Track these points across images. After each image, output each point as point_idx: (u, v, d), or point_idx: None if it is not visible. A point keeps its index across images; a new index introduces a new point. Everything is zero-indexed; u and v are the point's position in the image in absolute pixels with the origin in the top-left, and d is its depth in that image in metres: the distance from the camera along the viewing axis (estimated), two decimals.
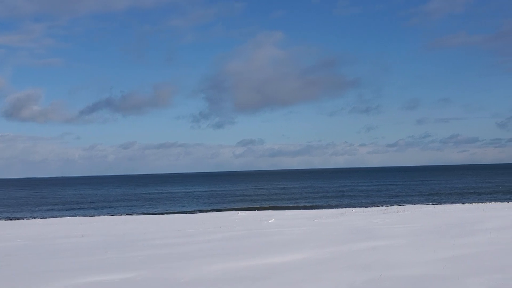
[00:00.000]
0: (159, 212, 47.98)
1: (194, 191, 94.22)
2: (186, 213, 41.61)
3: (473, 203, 41.39)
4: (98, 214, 45.90)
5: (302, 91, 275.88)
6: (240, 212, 36.85)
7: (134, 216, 38.05)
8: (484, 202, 43.23)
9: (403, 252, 15.68)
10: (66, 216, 42.65)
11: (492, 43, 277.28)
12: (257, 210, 41.85)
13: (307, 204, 52.10)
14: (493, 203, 41.39)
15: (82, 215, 43.58)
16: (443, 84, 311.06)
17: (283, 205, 51.92)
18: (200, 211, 45.29)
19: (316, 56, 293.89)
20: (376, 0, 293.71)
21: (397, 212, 31.13)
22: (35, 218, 42.81)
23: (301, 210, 39.77)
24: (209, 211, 45.41)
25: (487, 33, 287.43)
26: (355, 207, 41.86)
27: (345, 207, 41.56)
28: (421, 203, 44.98)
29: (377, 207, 39.25)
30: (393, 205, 43.42)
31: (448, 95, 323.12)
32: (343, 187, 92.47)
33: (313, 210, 37.83)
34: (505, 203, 39.86)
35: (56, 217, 42.48)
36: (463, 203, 43.76)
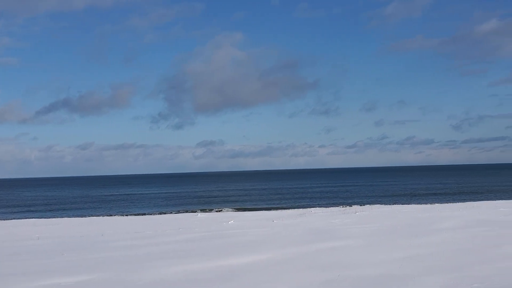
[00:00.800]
0: (117, 213, 47.39)
1: (153, 193, 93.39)
2: (144, 215, 41.21)
3: (429, 204, 42.23)
4: (55, 216, 45.03)
5: (262, 93, 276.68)
6: (199, 214, 36.71)
7: (92, 218, 37.47)
8: (439, 203, 44.16)
9: (361, 252, 15.89)
10: (21, 218, 41.69)
11: (447, 47, 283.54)
12: (217, 211, 41.77)
13: (267, 205, 52.26)
14: (448, 203, 42.32)
15: (38, 217, 42.66)
16: (400, 87, 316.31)
17: (243, 206, 51.95)
18: (159, 213, 44.91)
19: (276, 57, 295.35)
20: (336, 3, 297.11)
21: (355, 213, 31.51)
22: None
23: (261, 211, 39.87)
24: (168, 212, 45.09)
25: (443, 37, 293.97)
26: (314, 207, 42.19)
27: (305, 208, 41.84)
28: (379, 204, 45.64)
29: (336, 208, 39.65)
30: (351, 205, 43.93)
31: (405, 97, 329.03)
32: (303, 188, 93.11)
33: (273, 211, 37.96)
34: (459, 203, 40.80)
35: (11, 219, 41.50)
36: (419, 203, 44.59)
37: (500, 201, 42.05)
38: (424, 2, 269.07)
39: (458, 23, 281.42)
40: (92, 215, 45.09)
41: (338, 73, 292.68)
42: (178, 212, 45.04)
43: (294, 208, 43.90)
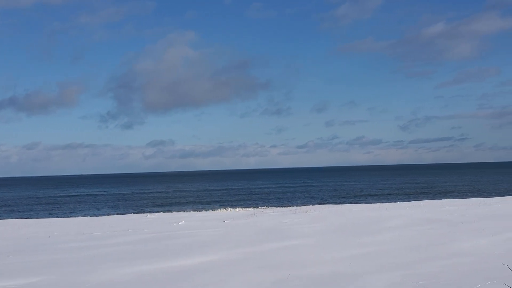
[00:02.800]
0: (65, 215, 46.37)
1: (102, 193, 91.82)
2: (93, 216, 40.45)
3: (377, 203, 43.01)
4: (0, 218, 43.74)
5: (214, 92, 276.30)
6: (149, 215, 36.27)
7: (38, 219, 36.51)
8: (388, 202, 45.04)
9: (312, 251, 16.02)
10: None
11: (396, 49, 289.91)
12: (167, 212, 41.40)
13: (217, 206, 52.14)
14: (395, 202, 43.20)
15: None
16: (351, 88, 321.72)
17: (193, 207, 51.68)
18: (108, 214, 44.18)
19: (229, 57, 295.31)
20: (288, 4, 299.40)
21: (306, 212, 31.77)
22: None
23: (212, 211, 39.72)
24: (117, 214, 44.40)
25: (391, 39, 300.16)
26: (265, 207, 42.34)
27: (256, 208, 41.94)
28: (329, 203, 46.19)
29: (287, 208, 39.89)
30: (302, 205, 44.30)
31: (355, 98, 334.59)
32: (254, 188, 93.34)
33: (224, 211, 37.89)
34: (406, 202, 41.71)
35: None
36: (368, 202, 45.36)
37: (446, 200, 43.20)
38: (374, 5, 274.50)
39: (407, 26, 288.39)
40: (38, 217, 43.94)
41: (290, 73, 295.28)
42: (128, 213, 44.41)
43: (245, 208, 43.93)
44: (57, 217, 42.66)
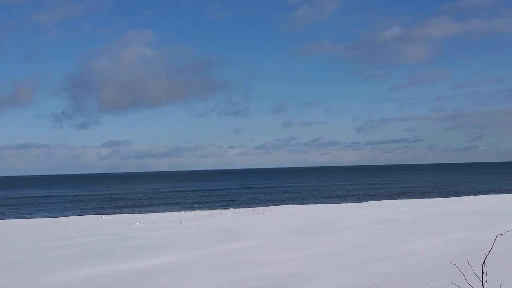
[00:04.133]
0: (18, 216, 45.28)
1: (56, 195, 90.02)
2: (46, 218, 39.62)
3: (333, 203, 43.49)
4: None
5: (171, 92, 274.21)
6: (104, 216, 35.75)
7: None
8: (343, 202, 45.60)
9: (269, 252, 16.09)
10: None
11: (352, 51, 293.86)
12: (122, 213, 40.89)
13: (174, 207, 51.78)
14: (351, 203, 43.77)
15: None
16: (308, 89, 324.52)
17: (149, 208, 51.18)
18: (62, 216, 43.34)
19: (187, 57, 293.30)
20: (247, 5, 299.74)
21: (263, 213, 31.88)
22: None
23: (168, 212, 39.41)
24: (71, 215, 43.61)
25: (348, 42, 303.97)
26: (222, 208, 42.28)
27: (213, 209, 41.85)
28: (286, 204, 46.44)
29: (245, 208, 39.91)
30: (260, 206, 44.41)
31: (312, 99, 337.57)
32: (211, 189, 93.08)
33: (180, 213, 37.64)
34: (361, 203, 42.31)
35: None
36: (324, 203, 45.80)
37: (399, 200, 44.00)
38: (332, 7, 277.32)
39: (363, 29, 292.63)
40: None
41: (248, 74, 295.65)
42: (82, 214, 43.67)
43: (202, 209, 43.77)
44: (9, 218, 41.62)
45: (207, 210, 41.16)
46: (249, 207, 42.08)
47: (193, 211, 39.25)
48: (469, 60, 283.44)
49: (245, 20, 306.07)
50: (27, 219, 38.21)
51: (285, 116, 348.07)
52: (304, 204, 45.35)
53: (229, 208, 43.21)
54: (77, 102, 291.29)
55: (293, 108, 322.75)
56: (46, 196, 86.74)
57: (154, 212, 41.98)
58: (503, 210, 28.18)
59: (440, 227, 21.05)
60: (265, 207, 39.58)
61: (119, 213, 40.56)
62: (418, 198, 48.26)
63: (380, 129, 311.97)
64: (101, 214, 40.60)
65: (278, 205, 44.62)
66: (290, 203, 48.59)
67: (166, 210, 45.28)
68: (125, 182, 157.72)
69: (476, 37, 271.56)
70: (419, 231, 20.08)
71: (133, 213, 41.55)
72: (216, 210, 38.66)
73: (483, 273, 4.09)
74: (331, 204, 41.48)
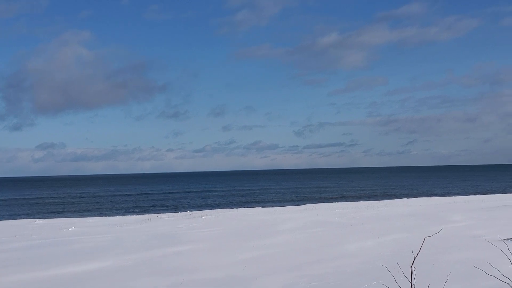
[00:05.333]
0: None
1: None
2: None
3: (272, 207, 43.79)
4: None
5: (108, 94, 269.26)
6: (37, 220, 34.70)
7: None
8: (282, 206, 45.97)
9: (207, 256, 16.04)
10: None
11: (292, 56, 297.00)
12: (57, 217, 39.78)
13: (110, 211, 50.82)
14: (289, 206, 44.19)
15: None
16: (248, 93, 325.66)
17: (84, 212, 50.04)
18: None
19: (125, 58, 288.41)
20: (187, 7, 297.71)
21: (201, 217, 31.76)
22: None
23: (104, 216, 38.65)
24: (3, 219, 42.10)
25: (288, 47, 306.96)
26: (160, 213, 41.82)
27: (150, 213, 41.31)
28: (225, 208, 46.41)
29: (183, 213, 39.61)
30: (198, 210, 44.20)
31: (252, 103, 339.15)
32: (148, 193, 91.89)
33: (117, 217, 36.99)
34: (299, 206, 42.79)
35: None
36: (263, 206, 46.08)
37: (336, 203, 44.78)
38: (272, 12, 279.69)
39: (302, 35, 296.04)
40: None
41: (188, 77, 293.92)
42: (15, 218, 42.21)
43: (138, 213, 43.16)
44: None
45: (144, 214, 40.60)
46: (187, 211, 41.81)
47: (130, 216, 38.68)
48: (403, 67, 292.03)
49: (184, 22, 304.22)
50: None
51: (225, 119, 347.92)
52: (243, 207, 45.45)
53: (167, 212, 42.79)
54: (11, 103, 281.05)
55: (233, 111, 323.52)
56: None
57: (90, 216, 41.09)
58: (434, 213, 29.14)
59: (374, 229, 21.56)
60: (204, 211, 39.43)
61: (54, 217, 39.42)
62: (354, 201, 49.29)
63: (318, 133, 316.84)
64: (35, 218, 39.37)
65: (217, 209, 44.55)
66: (229, 207, 48.59)
67: (101, 214, 44.40)
68: (60, 186, 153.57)
69: (410, 45, 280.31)
70: (354, 233, 20.50)
71: (68, 217, 40.48)
72: (153, 214, 38.19)
73: (411, 274, 4.22)
74: (270, 208, 41.77)
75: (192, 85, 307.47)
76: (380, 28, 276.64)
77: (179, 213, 38.65)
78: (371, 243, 17.67)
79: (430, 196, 53.65)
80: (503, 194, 53.15)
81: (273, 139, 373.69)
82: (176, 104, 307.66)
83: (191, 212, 38.93)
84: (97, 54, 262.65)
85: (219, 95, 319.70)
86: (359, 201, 48.12)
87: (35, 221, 34.13)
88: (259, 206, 46.96)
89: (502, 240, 14.89)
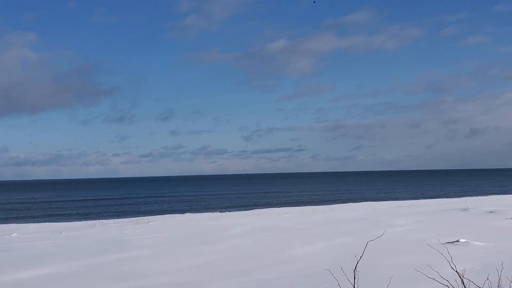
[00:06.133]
0: None
1: None
2: None
3: (219, 212, 43.73)
4: None
5: (53, 98, 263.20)
6: None
7: None
8: (229, 211, 45.97)
9: (153, 262, 15.90)
10: None
11: (241, 61, 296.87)
12: None
13: (54, 217, 49.63)
14: (237, 211, 44.24)
15: None
16: (197, 98, 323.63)
17: (27, 218, 48.71)
18: None
19: (72, 62, 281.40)
20: (135, 10, 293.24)
21: (148, 223, 31.43)
22: None
23: (48, 222, 37.73)
24: None
25: (237, 52, 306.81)
26: (105, 218, 41.11)
27: (95, 219, 40.55)
28: (172, 213, 46.03)
29: (129, 218, 39.08)
30: (144, 215, 43.69)
31: (200, 108, 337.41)
32: (93, 198, 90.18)
33: (61, 223, 36.18)
34: (247, 211, 42.91)
35: None
36: (210, 211, 45.94)
37: (284, 208, 45.15)
38: (221, 17, 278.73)
39: (252, 40, 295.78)
40: None
41: (135, 81, 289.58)
42: None
43: (83, 219, 42.31)
44: None
45: (89, 220, 39.85)
46: (133, 217, 41.28)
47: (74, 222, 37.93)
48: (350, 73, 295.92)
49: (133, 26, 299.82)
50: None
51: (173, 124, 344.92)
52: (190, 213, 45.20)
53: (112, 218, 42.11)
54: None
55: (181, 116, 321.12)
56: None
57: (33, 222, 40.05)
58: (379, 217, 29.77)
59: (321, 234, 21.86)
60: (150, 217, 39.02)
61: None
62: (302, 205, 49.76)
63: (266, 138, 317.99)
64: None
65: (164, 214, 44.16)
66: (176, 212, 48.23)
67: (45, 220, 43.32)
68: (2, 191, 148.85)
69: (357, 52, 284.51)
70: (301, 238, 20.73)
71: (10, 223, 39.31)
72: (98, 220, 37.54)
73: (354, 278, 4.33)
74: (217, 213, 41.71)
75: (140, 89, 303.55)
76: (327, 36, 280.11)
77: (124, 219, 38.12)
78: (317, 248, 17.92)
79: (376, 201, 54.75)
80: (445, 198, 54.75)
81: (221, 144, 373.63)
82: (123, 108, 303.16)
83: (137, 218, 38.46)
84: (42, 57, 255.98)
85: (167, 100, 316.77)
86: (307, 205, 48.60)
87: None
88: (207, 212, 46.79)
89: (443, 243, 15.37)
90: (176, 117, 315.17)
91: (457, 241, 18.10)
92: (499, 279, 8.38)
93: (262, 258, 15.97)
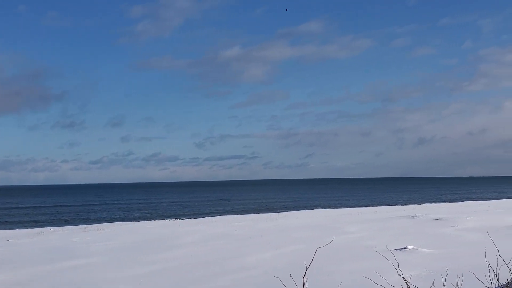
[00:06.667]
0: None
1: None
2: None
3: (171, 219, 43.40)
4: None
5: (1, 102, 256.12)
6: None
7: None
8: (181, 218, 45.65)
9: (102, 270, 15.65)
10: None
11: (194, 68, 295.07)
12: None
13: (0, 224, 48.24)
14: (189, 219, 43.98)
15: None
16: (148, 104, 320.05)
17: None
18: None
19: (21, 66, 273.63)
20: (87, 15, 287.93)
21: (97, 230, 30.93)
22: None
23: None
24: None
25: (190, 59, 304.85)
26: (53, 226, 40.20)
27: (43, 227, 39.59)
28: (122, 221, 45.42)
29: (78, 226, 38.34)
30: (93, 223, 42.95)
31: (152, 114, 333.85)
32: (41, 205, 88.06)
33: (7, 230, 35.19)
34: (199, 218, 42.71)
35: None
36: (161, 219, 45.51)
37: (236, 215, 45.15)
38: (174, 23, 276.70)
39: (205, 47, 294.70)
40: None
41: (86, 86, 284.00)
42: None
43: (30, 227, 41.27)
44: None
45: (37, 227, 38.89)
46: (82, 225, 40.53)
47: (21, 229, 36.96)
48: (303, 82, 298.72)
49: (84, 31, 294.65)
50: None
51: (123, 130, 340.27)
52: (140, 220, 44.68)
53: (60, 225, 41.22)
54: None
55: (132, 122, 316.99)
56: None
57: None
58: (330, 224, 30.14)
59: (273, 241, 21.97)
60: (99, 224, 38.41)
61: None
62: (254, 213, 49.88)
63: (219, 146, 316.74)
64: None
65: (113, 222, 43.53)
66: (126, 220, 47.60)
67: None
68: None
69: (310, 61, 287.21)
70: (254, 246, 20.78)
71: None
72: (46, 228, 36.68)
73: (304, 285, 4.40)
74: (169, 220, 41.40)
75: (90, 94, 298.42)
76: (281, 44, 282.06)
77: (73, 227, 37.41)
78: (269, 255, 18.00)
79: (327, 208, 55.40)
80: (394, 206, 55.89)
81: (173, 151, 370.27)
82: (72, 114, 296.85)
83: (86, 226, 37.78)
84: None
85: (118, 106, 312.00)
86: (259, 213, 48.74)
87: None
88: (158, 219, 46.33)
89: (391, 250, 15.69)
90: (127, 123, 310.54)
91: (405, 248, 18.51)
92: (444, 285, 8.65)
93: (213, 266, 15.94)
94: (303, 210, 50.55)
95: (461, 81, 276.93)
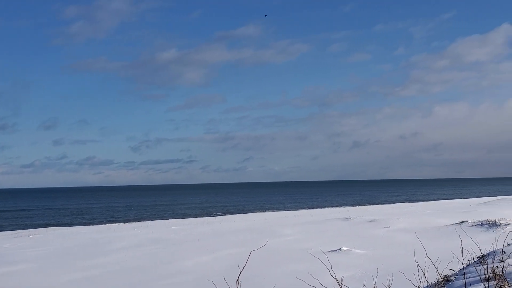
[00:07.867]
0: None
1: None
2: None
3: (105, 224, 42.62)
4: None
5: None
6: None
7: None
8: (116, 223, 44.93)
9: (36, 276, 15.25)
10: None
11: (129, 70, 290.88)
12: None
13: None
14: (123, 223, 43.34)
15: None
16: (82, 106, 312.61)
17: None
18: None
19: None
20: (20, 16, 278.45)
21: (29, 236, 30.05)
22: None
23: None
24: None
25: (125, 61, 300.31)
26: None
27: None
28: (55, 226, 44.27)
29: (8, 231, 37.10)
30: (25, 228, 41.67)
31: (86, 117, 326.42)
32: None
33: None
34: (134, 223, 42.17)
35: None
36: (95, 224, 44.64)
37: (173, 220, 44.83)
38: (110, 25, 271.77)
39: (141, 49, 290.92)
40: None
41: (18, 88, 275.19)
42: None
43: None
44: None
45: None
46: (13, 230, 39.23)
47: None
48: (241, 86, 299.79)
49: (16, 31, 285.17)
50: None
51: (57, 133, 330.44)
52: (73, 226, 43.69)
53: None
54: None
55: (66, 125, 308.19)
56: None
57: None
58: (267, 227, 30.39)
59: (209, 245, 21.97)
60: (31, 230, 37.33)
61: None
62: (191, 217, 49.66)
63: (156, 149, 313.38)
64: None
65: (46, 227, 42.37)
66: (59, 225, 46.42)
67: None
68: None
69: (247, 65, 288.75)
70: (190, 250, 20.72)
71: None
72: None
73: None
74: (103, 225, 40.67)
75: (23, 96, 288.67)
76: (218, 47, 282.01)
77: (4, 232, 36.20)
78: (205, 259, 18.00)
79: (264, 211, 55.79)
80: (329, 208, 56.94)
81: (107, 154, 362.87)
82: (3, 116, 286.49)
83: (17, 231, 36.61)
84: None
85: (51, 108, 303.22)
86: (196, 217, 48.59)
87: None
88: (92, 225, 45.43)
89: (325, 252, 16.01)
90: (60, 126, 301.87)
91: (340, 249, 18.93)
92: (374, 285, 8.91)
93: (149, 271, 15.80)
94: (241, 214, 50.73)
95: (394, 86, 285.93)
